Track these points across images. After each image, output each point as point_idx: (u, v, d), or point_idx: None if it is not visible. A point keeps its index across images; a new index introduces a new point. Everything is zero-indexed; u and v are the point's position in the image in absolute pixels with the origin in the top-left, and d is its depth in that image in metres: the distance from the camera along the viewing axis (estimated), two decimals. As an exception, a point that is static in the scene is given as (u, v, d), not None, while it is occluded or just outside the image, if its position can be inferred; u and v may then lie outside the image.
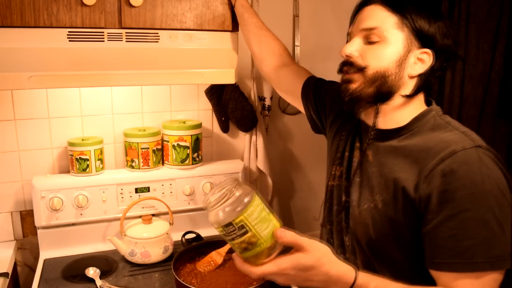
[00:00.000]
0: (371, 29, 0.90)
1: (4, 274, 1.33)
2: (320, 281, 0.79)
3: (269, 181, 1.79)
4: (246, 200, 0.77)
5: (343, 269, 0.80)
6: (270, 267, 0.77)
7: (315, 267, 0.78)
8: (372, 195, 0.95)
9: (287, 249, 0.81)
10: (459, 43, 0.90)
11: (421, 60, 0.90)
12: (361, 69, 0.91)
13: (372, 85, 0.90)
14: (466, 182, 0.80)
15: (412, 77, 0.91)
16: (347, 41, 0.99)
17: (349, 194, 1.02)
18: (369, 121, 0.97)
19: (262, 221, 0.77)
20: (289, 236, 0.78)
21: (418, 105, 0.95)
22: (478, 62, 1.88)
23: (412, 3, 0.90)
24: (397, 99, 0.92)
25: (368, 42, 0.91)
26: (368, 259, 0.98)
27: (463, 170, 0.80)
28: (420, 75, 0.91)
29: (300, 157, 1.96)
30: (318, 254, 0.78)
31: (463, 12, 1.83)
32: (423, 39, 0.89)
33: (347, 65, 0.93)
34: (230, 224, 0.75)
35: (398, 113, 0.94)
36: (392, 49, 0.89)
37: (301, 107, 1.27)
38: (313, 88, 1.21)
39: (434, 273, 0.85)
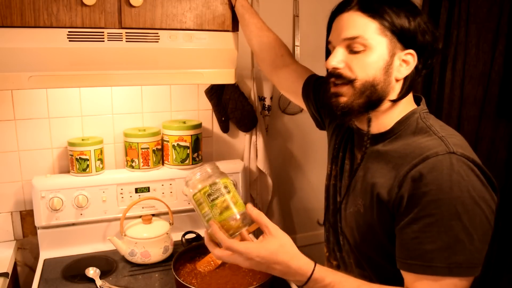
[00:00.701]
0: (353, 38, 0.87)
1: (4, 274, 1.33)
2: (280, 270, 0.83)
3: (269, 181, 1.79)
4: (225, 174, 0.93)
5: (302, 262, 0.83)
6: (239, 245, 0.82)
7: (278, 252, 0.82)
8: (356, 199, 0.96)
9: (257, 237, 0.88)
10: (438, 37, 0.88)
11: (406, 62, 0.89)
12: (349, 81, 0.89)
13: (362, 96, 0.89)
14: (433, 188, 0.79)
15: (398, 80, 0.90)
16: (327, 50, 0.98)
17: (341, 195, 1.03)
18: (360, 125, 0.97)
19: (236, 193, 0.90)
20: (256, 212, 0.86)
21: (406, 106, 0.93)
22: (478, 62, 1.88)
23: (389, 4, 0.87)
24: (386, 104, 0.91)
25: (352, 51, 0.89)
26: (358, 259, 0.99)
27: (431, 176, 0.80)
28: (406, 77, 0.90)
29: (300, 157, 1.96)
30: (282, 241, 0.84)
31: (463, 12, 1.83)
32: (405, 40, 0.87)
33: (334, 77, 0.91)
34: (217, 183, 0.88)
35: (385, 117, 0.93)
36: (377, 56, 0.87)
37: (304, 106, 1.27)
38: (313, 87, 1.21)
39: (402, 273, 0.86)
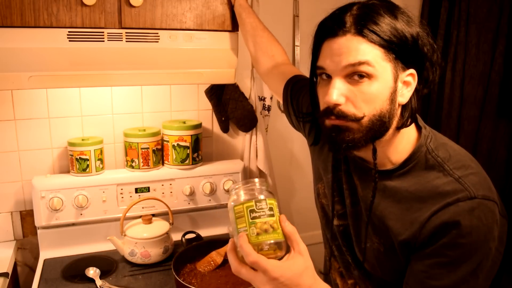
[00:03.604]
0: (359, 63, 0.76)
1: (4, 274, 1.33)
2: None
3: (269, 181, 1.79)
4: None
5: (324, 287, 0.78)
6: (267, 262, 0.73)
7: (302, 275, 0.75)
8: (370, 236, 0.90)
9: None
10: (436, 49, 0.80)
11: (407, 83, 0.80)
12: (355, 119, 0.79)
13: (369, 131, 0.80)
14: (453, 232, 0.77)
15: (400, 105, 0.82)
16: (312, 75, 0.87)
17: (343, 219, 0.97)
18: (359, 153, 0.89)
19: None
20: (290, 228, 0.78)
21: (407, 130, 0.85)
22: (478, 62, 1.88)
23: (387, 22, 0.76)
24: (390, 133, 0.83)
25: (352, 81, 0.78)
26: (372, 279, 0.96)
27: (452, 222, 0.77)
28: (409, 100, 0.82)
29: (300, 157, 1.96)
30: (308, 262, 0.77)
31: (463, 12, 1.83)
32: (405, 58, 0.78)
33: (334, 115, 0.80)
34: (263, 200, 0.78)
35: (389, 147, 0.86)
36: (383, 86, 0.77)
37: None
38: (291, 92, 1.11)
39: None
